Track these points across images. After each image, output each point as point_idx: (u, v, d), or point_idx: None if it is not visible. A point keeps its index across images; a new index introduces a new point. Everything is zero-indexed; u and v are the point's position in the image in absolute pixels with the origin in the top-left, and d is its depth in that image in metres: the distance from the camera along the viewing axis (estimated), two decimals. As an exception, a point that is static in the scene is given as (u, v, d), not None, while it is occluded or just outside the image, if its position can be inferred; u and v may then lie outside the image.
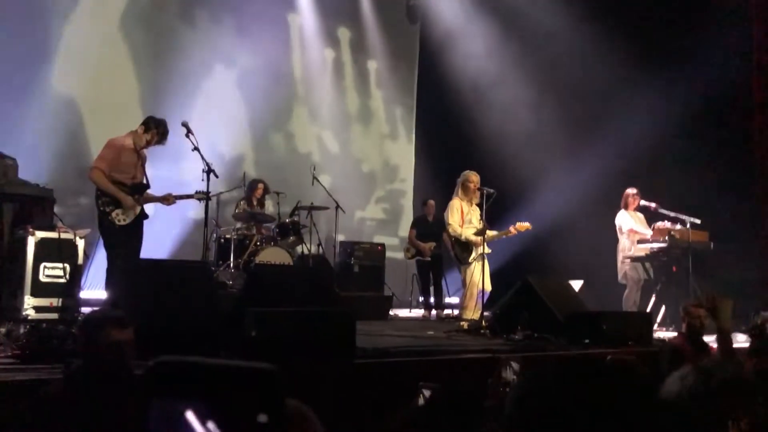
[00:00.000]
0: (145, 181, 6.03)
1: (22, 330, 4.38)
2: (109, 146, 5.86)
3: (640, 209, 8.33)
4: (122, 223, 5.78)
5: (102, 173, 5.73)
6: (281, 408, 0.67)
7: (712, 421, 1.48)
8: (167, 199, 6.12)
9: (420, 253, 9.18)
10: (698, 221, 7.79)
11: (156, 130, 5.91)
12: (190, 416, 0.66)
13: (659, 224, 7.90)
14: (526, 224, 7.30)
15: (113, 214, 5.73)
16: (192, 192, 6.29)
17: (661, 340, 5.86)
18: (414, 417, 2.18)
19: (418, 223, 9.51)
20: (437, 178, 10.69)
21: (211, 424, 0.66)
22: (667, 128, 9.14)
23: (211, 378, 0.68)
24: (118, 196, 5.74)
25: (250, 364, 0.69)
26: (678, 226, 7.76)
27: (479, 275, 7.05)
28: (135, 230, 5.89)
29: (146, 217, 6.03)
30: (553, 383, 1.07)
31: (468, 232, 7.30)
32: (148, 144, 5.96)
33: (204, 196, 6.33)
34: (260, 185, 8.79)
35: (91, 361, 2.80)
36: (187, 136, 5.96)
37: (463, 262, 7.34)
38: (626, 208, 8.33)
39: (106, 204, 5.74)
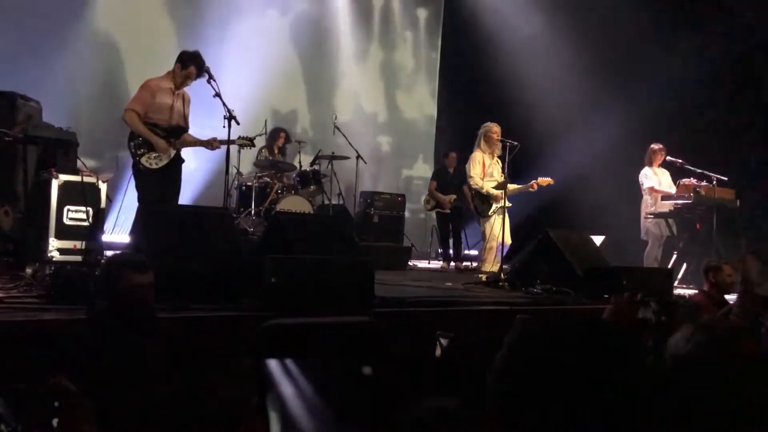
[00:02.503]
0: (183, 124, 5.95)
1: (47, 271, 4.46)
2: (143, 87, 5.80)
3: (666, 165, 8.18)
4: (154, 166, 5.74)
5: (136, 115, 5.68)
6: (384, 357, 0.68)
7: (715, 380, 1.45)
8: (211, 144, 6.02)
9: (440, 205, 9.15)
10: (725, 178, 7.65)
11: (194, 64, 5.80)
12: (300, 372, 0.67)
13: (684, 180, 7.77)
14: (548, 179, 7.23)
15: (144, 157, 5.72)
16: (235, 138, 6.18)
17: (682, 297, 5.82)
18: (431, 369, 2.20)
19: (438, 175, 9.45)
20: (460, 129, 10.57)
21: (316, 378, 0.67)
22: (696, 82, 8.91)
23: (317, 336, 0.70)
24: (150, 138, 5.70)
25: (350, 318, 0.70)
26: (704, 183, 7.62)
27: (499, 228, 7.02)
28: (170, 174, 5.85)
29: (182, 161, 5.99)
30: (547, 341, 1.03)
31: (489, 185, 7.24)
32: (189, 79, 5.86)
33: (247, 142, 6.36)
34: (282, 134, 8.77)
35: (113, 303, 2.85)
36: (208, 82, 5.89)
37: (482, 215, 7.31)
38: (651, 164, 8.19)
39: (137, 146, 5.71)
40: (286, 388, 0.68)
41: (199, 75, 5.83)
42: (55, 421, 0.90)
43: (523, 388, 1.00)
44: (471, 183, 7.36)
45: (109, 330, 2.78)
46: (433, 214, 9.49)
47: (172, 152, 5.81)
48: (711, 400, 1.39)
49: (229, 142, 6.06)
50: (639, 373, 1.02)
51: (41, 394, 0.89)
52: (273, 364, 0.69)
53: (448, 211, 9.10)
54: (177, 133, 5.86)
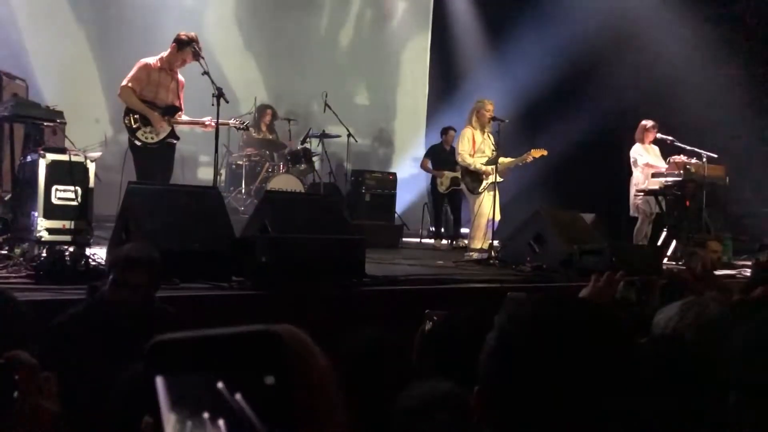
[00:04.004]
0: (177, 104, 5.97)
1: (36, 251, 4.44)
2: (139, 66, 5.85)
3: (656, 142, 8.19)
4: (150, 141, 5.76)
5: (132, 91, 5.73)
6: (287, 368, 0.65)
7: (701, 356, 1.46)
8: (205, 124, 6.05)
9: (456, 183, 9.10)
10: (715, 155, 7.67)
11: (189, 47, 5.82)
12: (196, 387, 0.65)
13: (675, 158, 7.78)
14: (542, 150, 7.23)
15: (140, 131, 5.74)
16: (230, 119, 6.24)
17: (670, 271, 5.86)
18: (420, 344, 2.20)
19: (432, 152, 9.42)
20: (452, 105, 10.53)
21: (212, 392, 0.64)
22: (686, 60, 8.89)
23: (213, 348, 0.66)
24: (146, 113, 5.74)
25: (249, 328, 0.66)
26: (694, 160, 7.64)
27: (489, 205, 7.03)
28: (166, 153, 5.89)
29: (177, 138, 6.00)
30: (535, 323, 1.01)
31: (478, 161, 7.23)
32: (185, 62, 5.89)
33: (242, 127, 6.46)
34: (268, 111, 8.71)
35: (112, 290, 2.82)
36: (197, 59, 5.85)
37: (473, 192, 7.31)
38: (642, 141, 8.20)
39: (134, 121, 5.73)
40: (181, 406, 0.65)
41: (195, 58, 5.83)
42: (15, 393, 0.90)
43: (515, 370, 0.98)
44: (458, 159, 7.34)
45: (107, 314, 2.77)
46: (426, 192, 9.46)
47: (168, 128, 5.82)
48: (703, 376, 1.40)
49: (224, 123, 6.06)
50: (627, 353, 1.01)
51: (0, 366, 0.89)
52: (164, 382, 0.65)
53: (462, 187, 9.06)
54: (171, 112, 5.87)
